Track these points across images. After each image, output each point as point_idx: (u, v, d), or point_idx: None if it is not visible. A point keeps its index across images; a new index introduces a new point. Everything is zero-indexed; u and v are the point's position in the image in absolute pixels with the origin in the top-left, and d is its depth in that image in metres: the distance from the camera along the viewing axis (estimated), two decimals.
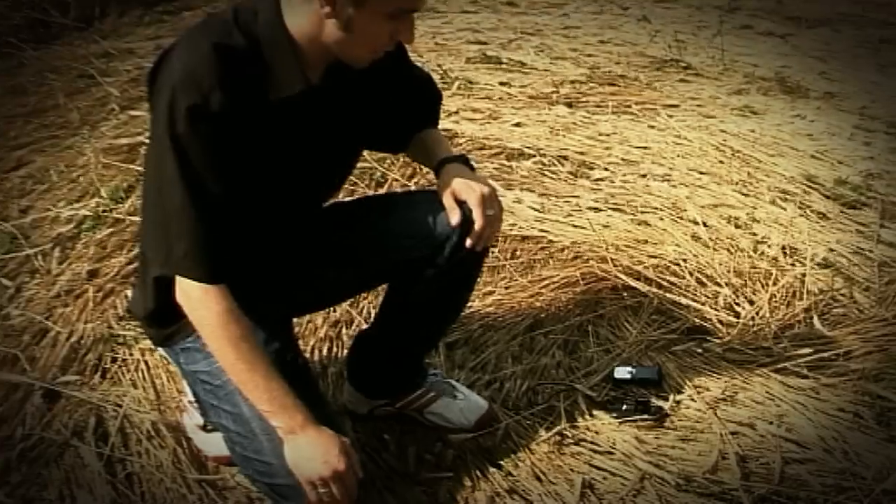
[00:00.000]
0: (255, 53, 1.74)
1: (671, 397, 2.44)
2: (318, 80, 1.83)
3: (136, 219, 3.07)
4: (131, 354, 2.57)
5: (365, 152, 2.32)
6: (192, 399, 2.19)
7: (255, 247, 1.94)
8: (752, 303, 2.82)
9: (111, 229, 3.06)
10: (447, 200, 1.98)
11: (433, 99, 2.20)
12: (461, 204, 1.97)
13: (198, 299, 1.80)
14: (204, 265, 1.77)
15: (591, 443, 2.31)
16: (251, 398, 1.82)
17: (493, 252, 2.94)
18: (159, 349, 2.11)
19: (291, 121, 1.82)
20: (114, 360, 2.57)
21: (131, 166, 3.39)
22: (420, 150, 2.16)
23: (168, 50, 1.77)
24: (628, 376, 2.46)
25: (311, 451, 1.79)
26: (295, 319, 2.34)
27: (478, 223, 1.96)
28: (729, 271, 2.93)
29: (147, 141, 3.39)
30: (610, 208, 3.23)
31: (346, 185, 3.20)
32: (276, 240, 2.01)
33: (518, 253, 3.00)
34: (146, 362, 2.54)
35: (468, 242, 1.97)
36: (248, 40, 1.74)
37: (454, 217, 1.97)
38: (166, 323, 1.99)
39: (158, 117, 1.72)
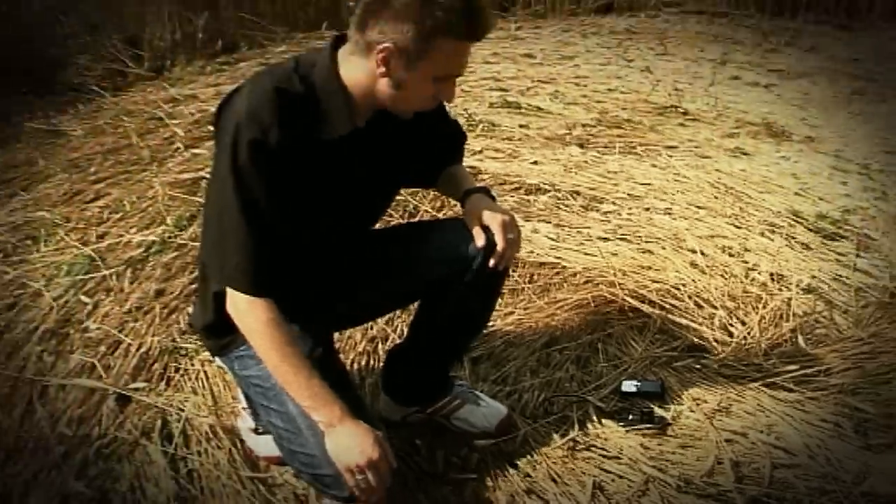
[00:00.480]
0: (311, 98, 1.78)
1: (672, 408, 2.41)
2: (363, 124, 1.85)
3: (197, 244, 3.05)
4: (192, 365, 2.57)
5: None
6: (246, 405, 2.20)
7: (302, 266, 1.95)
8: (744, 324, 2.79)
9: (175, 253, 3.07)
10: (473, 226, 1.99)
11: (459, 140, 2.21)
12: (485, 229, 1.98)
13: (245, 310, 1.82)
14: (252, 279, 1.79)
15: (601, 449, 2.29)
16: (295, 395, 1.83)
17: (512, 276, 2.92)
18: (216, 359, 2.10)
19: (339, 158, 1.84)
20: (177, 369, 2.57)
21: (193, 198, 3.40)
22: (447, 184, 2.17)
23: (234, 91, 1.81)
24: (634, 389, 2.43)
25: (348, 442, 1.78)
26: (336, 335, 2.35)
27: (500, 245, 1.96)
28: (723, 295, 2.90)
29: (208, 175, 3.44)
30: (617, 238, 3.21)
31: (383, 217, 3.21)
32: (321, 261, 2.01)
33: (535, 277, 2.98)
34: (205, 372, 2.54)
35: (491, 262, 1.98)
36: (306, 86, 1.78)
37: (479, 240, 1.97)
38: (222, 334, 1.99)
39: (223, 148, 1.75)
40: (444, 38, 1.72)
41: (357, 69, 1.78)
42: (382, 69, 1.74)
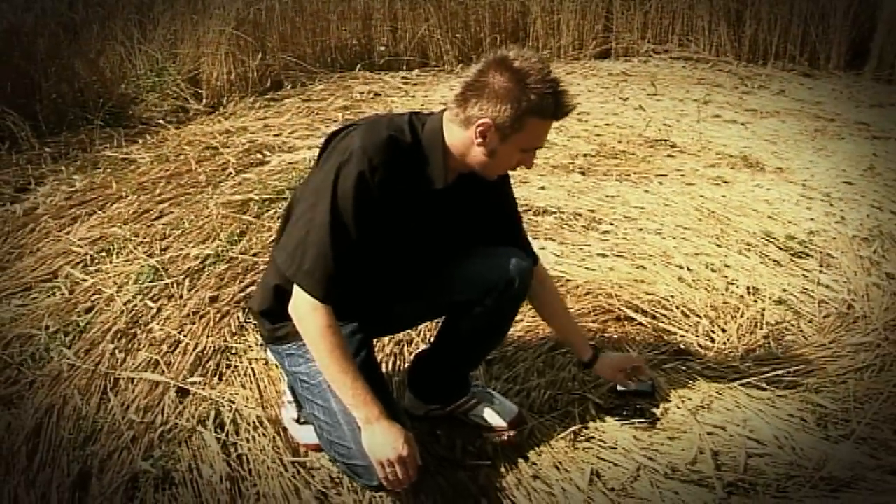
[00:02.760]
0: (417, 152, 1.82)
1: (661, 405, 2.40)
2: (450, 182, 1.88)
3: (248, 258, 3.09)
4: (241, 363, 2.57)
5: None
6: (290, 398, 2.19)
7: (364, 285, 1.96)
8: (723, 331, 2.78)
9: (227, 265, 3.07)
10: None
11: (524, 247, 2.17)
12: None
13: (307, 312, 1.82)
14: (321, 285, 1.79)
15: (599, 440, 2.28)
16: (340, 393, 1.83)
17: None
18: (268, 352, 2.11)
19: (427, 207, 1.88)
20: (228, 366, 2.57)
21: (243, 217, 3.41)
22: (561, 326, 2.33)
23: (352, 125, 1.84)
24: (628, 388, 2.41)
25: (383, 438, 1.79)
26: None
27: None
28: (706, 306, 2.89)
29: (255, 196, 3.46)
30: (614, 255, 3.20)
31: None
32: (381, 284, 2.03)
33: None
34: (253, 369, 2.54)
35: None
36: (415, 140, 1.82)
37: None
38: (277, 321, 2.01)
39: (330, 167, 1.77)
40: (534, 117, 1.77)
41: (458, 136, 1.82)
42: (479, 140, 1.78)
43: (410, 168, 1.81)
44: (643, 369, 2.33)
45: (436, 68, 5.91)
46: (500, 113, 1.75)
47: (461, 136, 1.81)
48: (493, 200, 2.05)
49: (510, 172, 2.02)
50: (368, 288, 1.98)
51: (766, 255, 3.25)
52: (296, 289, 1.83)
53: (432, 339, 2.33)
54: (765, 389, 2.46)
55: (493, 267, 2.03)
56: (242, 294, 2.89)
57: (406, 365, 2.52)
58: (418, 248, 1.98)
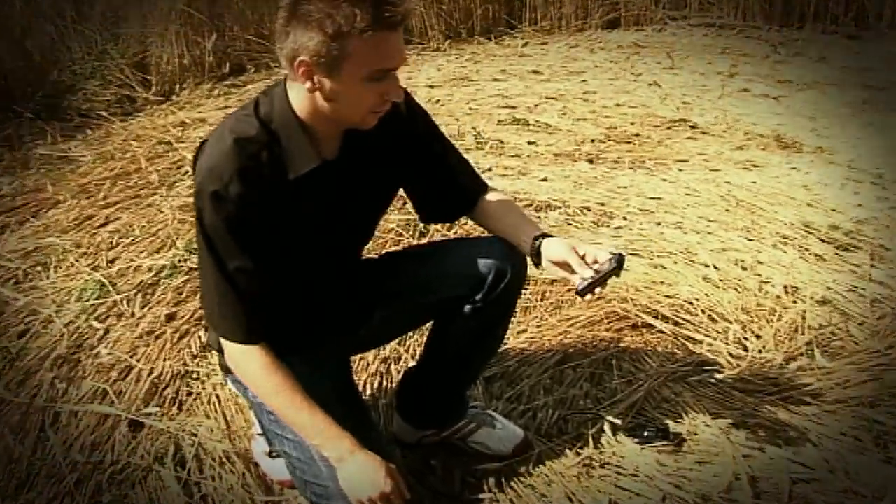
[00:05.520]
0: (272, 140, 1.76)
1: (688, 424, 2.40)
2: (334, 154, 1.83)
3: None
4: (204, 389, 2.57)
5: (409, 207, 2.29)
6: (260, 430, 2.19)
7: (302, 299, 1.97)
8: (758, 337, 2.78)
9: (186, 277, 3.08)
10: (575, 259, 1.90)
11: (464, 187, 2.10)
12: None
13: (239, 358, 1.85)
14: (240, 330, 1.82)
15: (617, 466, 2.27)
16: (302, 435, 1.84)
17: (524, 294, 2.92)
18: (230, 383, 2.11)
19: (310, 194, 1.82)
20: (189, 393, 2.57)
21: None
22: (499, 219, 2.08)
23: (203, 143, 1.81)
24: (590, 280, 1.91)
25: (360, 474, 1.78)
26: (350, 359, 2.33)
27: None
28: (737, 309, 2.90)
29: None
30: (629, 253, 3.20)
31: (392, 237, 3.22)
32: (323, 290, 2.02)
33: (547, 294, 2.98)
34: (217, 396, 2.54)
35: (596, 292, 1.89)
36: (266, 129, 1.76)
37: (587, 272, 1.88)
38: None
39: (194, 205, 1.78)
40: (353, 36, 1.62)
41: (299, 96, 1.74)
42: (308, 84, 1.68)
43: (273, 161, 1.76)
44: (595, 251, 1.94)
45: (420, 45, 5.93)
46: (310, 43, 1.63)
47: (300, 93, 1.74)
48: (412, 146, 1.99)
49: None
50: (309, 301, 1.99)
51: (806, 249, 3.25)
52: (222, 341, 1.87)
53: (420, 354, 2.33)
54: (810, 404, 2.47)
55: (480, 258, 2.02)
56: (205, 315, 2.88)
57: (393, 385, 2.52)
58: (342, 235, 1.97)
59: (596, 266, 1.88)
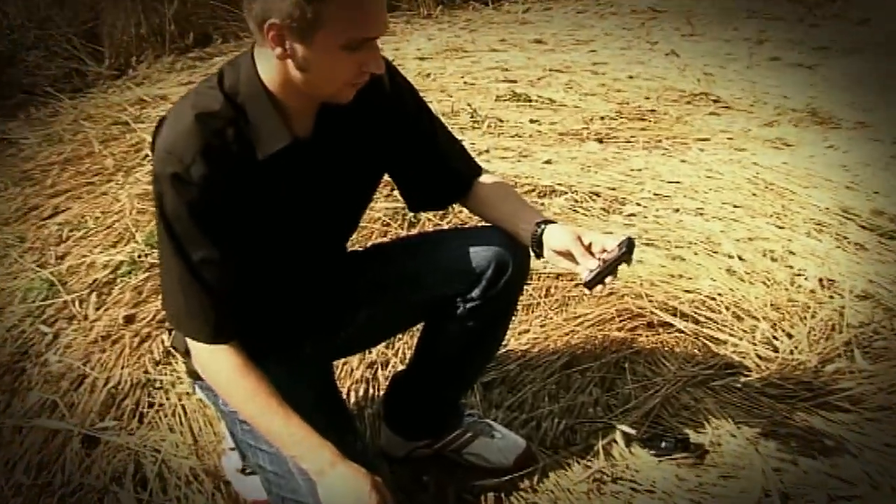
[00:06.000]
0: (239, 115, 1.76)
1: (711, 434, 2.41)
2: (308, 133, 1.83)
3: None
4: (168, 399, 2.58)
5: (396, 193, 2.30)
6: (231, 443, 2.20)
7: (278, 296, 1.97)
8: (790, 337, 2.79)
9: (147, 274, 3.09)
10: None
11: (456, 171, 2.12)
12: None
13: (207, 359, 1.85)
14: (207, 328, 1.82)
15: (631, 481, 2.29)
16: (277, 446, 1.84)
17: (527, 290, 2.93)
18: (198, 391, 2.12)
19: (282, 176, 1.82)
20: (151, 405, 2.58)
21: None
22: (495, 206, 2.09)
23: (161, 121, 1.80)
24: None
25: (343, 488, 1.77)
26: (333, 363, 2.34)
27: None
28: (766, 305, 2.91)
29: None
30: (643, 244, 3.22)
31: (379, 227, 3.22)
32: (303, 286, 2.03)
33: (552, 290, 3.00)
34: (183, 407, 2.55)
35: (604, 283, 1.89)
36: (232, 103, 1.76)
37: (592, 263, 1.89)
38: None
39: (153, 190, 1.77)
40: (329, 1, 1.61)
41: (269, 66, 1.74)
42: (279, 50, 1.67)
43: (240, 139, 1.76)
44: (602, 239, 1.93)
45: (408, 12, 5.94)
46: (282, 4, 1.62)
47: (272, 62, 1.73)
48: (397, 125, 2.00)
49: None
50: (285, 298, 2.00)
51: (845, 237, 3.28)
52: (188, 341, 1.87)
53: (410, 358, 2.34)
54: (849, 411, 2.48)
55: (477, 249, 2.03)
56: (167, 314, 2.88)
57: (380, 393, 2.54)
58: (321, 224, 1.98)
59: (604, 255, 1.88)
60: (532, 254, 2.02)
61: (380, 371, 2.66)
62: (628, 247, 1.89)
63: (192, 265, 1.78)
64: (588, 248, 1.89)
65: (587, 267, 1.87)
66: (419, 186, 2.11)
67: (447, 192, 2.12)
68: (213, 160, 1.72)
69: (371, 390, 2.60)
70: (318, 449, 1.79)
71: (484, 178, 2.11)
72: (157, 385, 2.63)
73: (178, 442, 2.43)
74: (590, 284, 1.87)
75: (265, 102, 1.76)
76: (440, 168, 2.08)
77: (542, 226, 1.96)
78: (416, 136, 2.03)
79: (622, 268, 1.88)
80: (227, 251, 1.79)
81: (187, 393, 2.57)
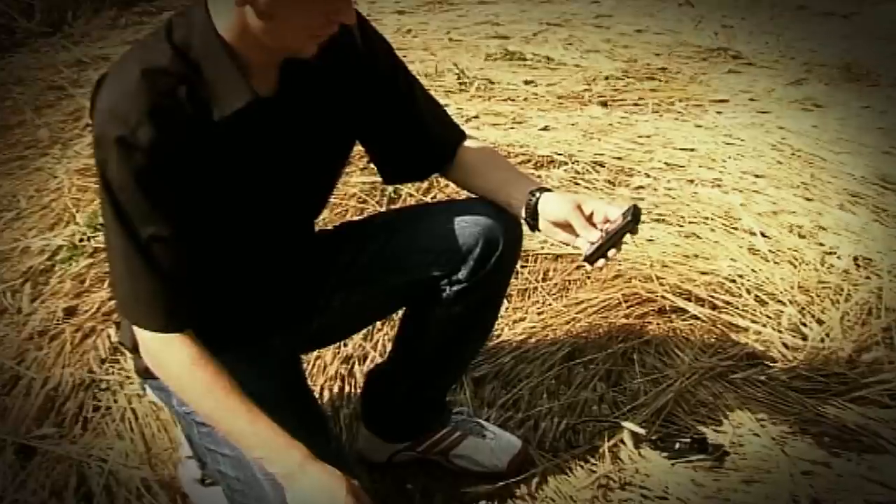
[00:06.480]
0: (192, 70, 1.75)
1: (731, 433, 2.43)
2: (271, 92, 1.84)
3: None
4: (116, 401, 2.58)
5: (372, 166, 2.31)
6: (189, 450, 2.21)
7: (240, 280, 1.98)
8: (821, 323, 2.82)
9: (90, 260, 3.08)
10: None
11: (437, 137, 2.13)
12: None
13: (157, 351, 1.83)
14: (157, 314, 1.80)
15: (641, 487, 2.30)
16: (240, 447, 1.83)
17: (523, 273, 2.95)
18: (150, 392, 2.12)
19: (242, 140, 1.82)
20: (96, 408, 2.57)
21: None
22: (481, 175, 2.11)
23: (102, 79, 1.78)
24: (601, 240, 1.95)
25: (315, 493, 1.77)
26: (303, 356, 2.36)
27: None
28: (793, 287, 2.93)
29: None
30: (654, 220, 3.24)
31: (354, 204, 3.23)
32: (267, 269, 2.03)
33: (551, 273, 3.01)
34: (133, 410, 2.55)
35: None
36: (183, 58, 1.75)
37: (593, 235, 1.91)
38: None
39: (95, 159, 1.75)
40: None
41: (226, 14, 1.74)
42: None
43: (194, 98, 1.76)
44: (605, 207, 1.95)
45: None
46: None
47: (229, 9, 1.73)
48: (370, 86, 2.00)
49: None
50: (248, 283, 2.01)
51: (883, 210, 3.31)
52: (136, 332, 1.86)
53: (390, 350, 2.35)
54: (888, 406, 2.51)
55: (463, 225, 2.04)
56: (114, 301, 2.88)
57: (358, 390, 2.55)
58: (287, 197, 1.98)
59: (606, 226, 1.89)
60: (526, 227, 2.03)
61: (357, 366, 2.67)
62: (633, 215, 1.88)
63: (141, 243, 1.76)
64: (589, 219, 1.91)
65: (588, 239, 1.89)
66: (395, 155, 2.11)
67: (427, 161, 2.12)
68: (162, 121, 1.71)
69: (347, 388, 2.62)
70: (286, 450, 1.79)
71: (469, 144, 2.12)
72: (103, 386, 2.64)
73: (128, 450, 2.43)
74: (591, 258, 1.88)
75: (222, 56, 1.75)
76: (419, 133, 2.09)
77: (537, 194, 1.97)
78: (391, 97, 2.04)
79: (628, 241, 1.89)
80: (181, 227, 1.78)
81: (138, 394, 2.58)
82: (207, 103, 1.76)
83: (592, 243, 1.88)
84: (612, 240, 1.87)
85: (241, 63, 1.76)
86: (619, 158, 3.61)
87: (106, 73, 1.79)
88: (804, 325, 2.82)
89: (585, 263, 1.90)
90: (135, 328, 1.84)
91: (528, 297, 2.92)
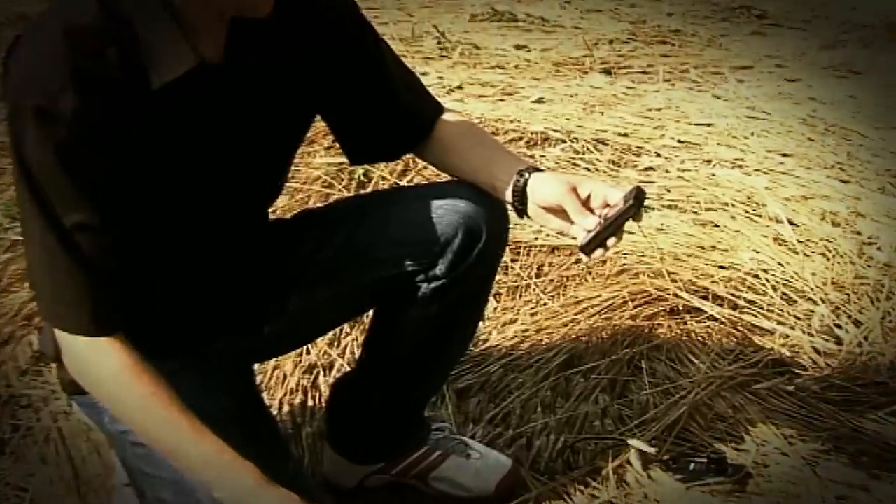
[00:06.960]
0: (124, 30, 1.72)
1: (754, 451, 2.44)
2: (218, 56, 1.81)
3: None
4: (39, 420, 2.58)
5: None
6: (125, 478, 2.21)
7: (182, 277, 1.97)
8: (858, 324, 2.83)
9: (8, 255, 3.10)
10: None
11: (411, 110, 2.13)
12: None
13: (85, 359, 1.82)
14: (84, 315, 1.78)
15: None
16: (181, 468, 1.82)
17: (512, 267, 2.96)
18: (77, 408, 2.11)
19: (184, 111, 1.81)
20: (15, 428, 2.57)
21: None
22: (462, 153, 2.11)
23: (15, 40, 1.75)
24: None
25: None
26: (257, 366, 2.35)
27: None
28: (826, 284, 2.95)
29: None
30: (665, 206, 3.25)
31: (318, 188, 3.23)
32: (213, 263, 2.02)
33: (546, 268, 3.03)
34: (59, 430, 2.55)
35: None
36: (112, 14, 1.72)
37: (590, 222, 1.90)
38: None
39: (8, 134, 1.71)
40: None
41: None
42: None
43: (126, 62, 1.73)
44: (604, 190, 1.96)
45: None
46: None
47: None
48: (334, 52, 1.99)
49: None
50: (192, 280, 2.00)
51: None
52: (60, 337, 1.83)
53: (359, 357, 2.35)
54: None
55: (442, 211, 2.03)
56: (36, 304, 2.89)
57: (323, 405, 2.55)
58: (236, 179, 1.95)
59: (606, 211, 1.89)
60: (513, 213, 2.02)
61: (321, 377, 2.68)
62: (637, 198, 1.86)
63: (64, 232, 1.74)
64: (586, 203, 1.91)
65: (584, 226, 1.88)
66: (363, 130, 2.11)
67: (400, 138, 2.12)
68: (88, 89, 1.68)
69: (310, 402, 2.62)
70: (236, 472, 1.78)
71: (448, 118, 2.12)
72: (24, 402, 2.63)
73: (53, 477, 2.43)
74: (586, 248, 1.87)
75: (160, 13, 1.72)
76: (390, 105, 2.08)
77: (526, 174, 1.96)
78: (358, 62, 2.02)
79: (632, 229, 1.89)
80: (111, 213, 1.76)
81: (64, 412, 2.58)
82: (142, 68, 1.72)
83: (589, 231, 1.87)
84: (612, 227, 1.86)
85: (182, 22, 1.73)
86: (625, 135, 3.63)
87: (20, 34, 1.75)
88: (839, 327, 2.83)
89: (581, 254, 1.89)
90: (58, 332, 1.82)
91: (520, 295, 2.93)
